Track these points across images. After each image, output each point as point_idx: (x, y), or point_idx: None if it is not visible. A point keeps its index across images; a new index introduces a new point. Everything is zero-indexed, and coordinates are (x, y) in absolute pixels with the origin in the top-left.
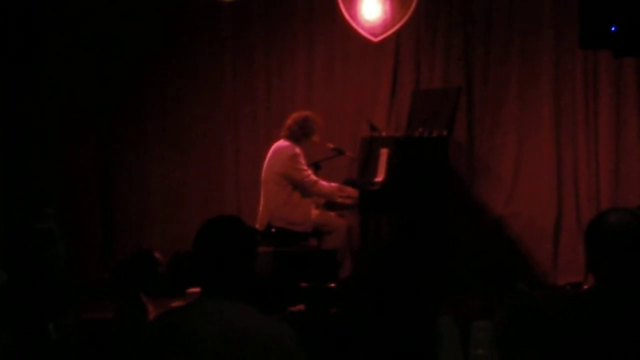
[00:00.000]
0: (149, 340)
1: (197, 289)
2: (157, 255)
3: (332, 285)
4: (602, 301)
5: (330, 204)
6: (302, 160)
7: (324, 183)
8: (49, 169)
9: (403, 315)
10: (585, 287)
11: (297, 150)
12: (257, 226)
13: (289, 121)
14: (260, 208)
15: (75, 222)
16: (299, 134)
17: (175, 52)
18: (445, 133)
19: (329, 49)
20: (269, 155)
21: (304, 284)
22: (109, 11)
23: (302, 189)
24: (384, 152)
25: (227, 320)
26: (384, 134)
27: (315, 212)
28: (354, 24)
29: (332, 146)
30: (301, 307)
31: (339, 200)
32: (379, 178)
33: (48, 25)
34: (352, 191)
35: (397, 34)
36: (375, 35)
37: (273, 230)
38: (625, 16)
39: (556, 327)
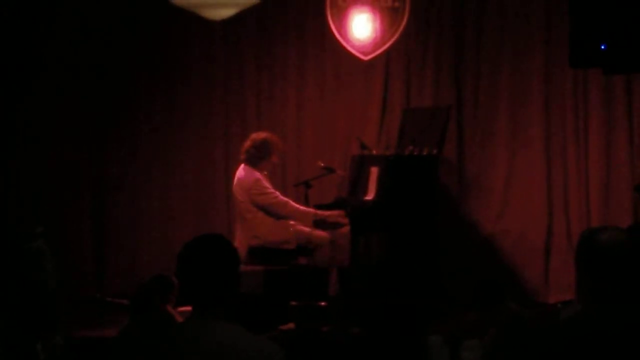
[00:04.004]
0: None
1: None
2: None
3: (323, 303)
4: (593, 320)
5: (319, 222)
6: (265, 184)
7: (296, 205)
8: (40, 187)
9: (393, 334)
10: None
11: (257, 174)
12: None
13: (247, 143)
14: (236, 233)
15: (67, 240)
16: (256, 157)
17: (167, 71)
18: (435, 151)
19: (319, 68)
20: (234, 183)
21: (294, 303)
22: (101, 32)
23: (273, 212)
24: (374, 171)
25: (216, 340)
26: (374, 152)
27: (298, 230)
28: (344, 43)
29: (322, 165)
30: (291, 325)
31: (328, 219)
32: (370, 196)
33: (44, 39)
34: (330, 214)
35: (387, 52)
36: (365, 54)
37: (256, 250)
38: (615, 34)
39: (546, 345)
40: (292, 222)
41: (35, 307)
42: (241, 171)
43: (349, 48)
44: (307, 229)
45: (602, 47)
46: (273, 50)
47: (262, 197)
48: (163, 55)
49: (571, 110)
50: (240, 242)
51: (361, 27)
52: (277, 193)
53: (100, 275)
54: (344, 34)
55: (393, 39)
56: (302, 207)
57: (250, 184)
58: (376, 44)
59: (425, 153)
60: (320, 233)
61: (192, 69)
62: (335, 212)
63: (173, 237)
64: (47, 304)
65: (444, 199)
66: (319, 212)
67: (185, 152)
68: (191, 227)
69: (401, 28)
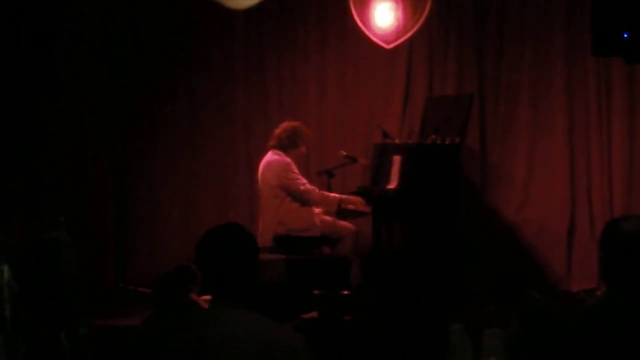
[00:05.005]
0: (159, 348)
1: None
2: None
3: (345, 292)
4: (616, 308)
5: (342, 212)
6: (295, 170)
7: (321, 192)
8: (62, 179)
9: (414, 323)
10: (598, 293)
11: (288, 159)
12: (259, 240)
13: (277, 130)
14: (261, 221)
15: (88, 229)
16: (287, 144)
17: (188, 62)
18: (457, 140)
19: (341, 57)
20: (260, 169)
21: (316, 292)
22: (121, 23)
23: (300, 199)
24: (396, 160)
25: (239, 328)
26: (396, 141)
27: (323, 219)
28: (366, 31)
29: (344, 154)
30: (314, 314)
31: (350, 206)
32: (392, 185)
33: (66, 34)
34: (354, 199)
35: (410, 41)
36: (387, 42)
37: (281, 238)
38: (637, 23)
39: (569, 334)
40: (317, 211)
41: (58, 297)
42: (271, 155)
43: (371, 37)
44: (332, 219)
45: (625, 35)
46: (294, 40)
47: (292, 182)
48: (183, 45)
49: (594, 99)
50: (265, 229)
51: (384, 16)
52: (305, 180)
53: (122, 265)
54: (366, 23)
55: (415, 28)
56: (326, 194)
57: (281, 166)
58: (399, 32)
59: (447, 142)
60: (346, 224)
61: (212, 59)
62: (358, 198)
63: (194, 226)
64: (69, 294)
65: (466, 188)
66: (344, 196)
67: (206, 142)
68: (213, 216)
69: (424, 16)
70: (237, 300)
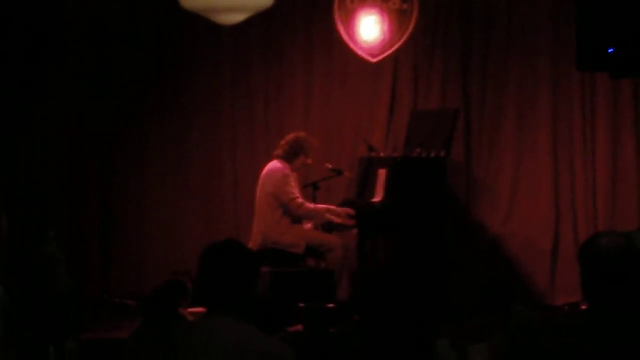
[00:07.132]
0: (153, 357)
1: (199, 309)
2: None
3: (331, 305)
4: (595, 324)
5: (328, 225)
6: (292, 183)
7: (309, 205)
8: (46, 190)
9: (400, 337)
10: (583, 307)
11: (288, 171)
12: (250, 246)
13: (282, 141)
14: (254, 229)
15: (73, 242)
16: (290, 153)
17: (174, 74)
18: (443, 154)
19: (326, 70)
20: (261, 176)
21: (301, 304)
22: (108, 36)
23: (288, 211)
24: (381, 173)
25: (229, 339)
26: (381, 154)
27: (310, 233)
28: (352, 45)
29: (330, 166)
30: (299, 327)
31: (335, 219)
32: (377, 198)
33: (49, 51)
34: (341, 210)
35: (395, 54)
36: (373, 56)
37: (268, 250)
38: (622, 38)
39: (553, 348)
40: (307, 226)
41: (47, 311)
42: (275, 163)
43: (356, 50)
44: (318, 233)
45: (610, 50)
46: (280, 54)
47: (284, 194)
48: (170, 60)
49: (578, 113)
50: (254, 239)
51: (369, 29)
52: (297, 194)
53: (106, 276)
54: (352, 36)
55: (401, 41)
56: (314, 207)
57: (280, 176)
58: (384, 46)
59: (432, 155)
60: (332, 237)
61: (199, 73)
62: (345, 209)
63: (179, 240)
64: (58, 308)
65: (451, 201)
66: (331, 207)
67: (192, 156)
68: (198, 231)
69: (409, 30)
70: (231, 312)
